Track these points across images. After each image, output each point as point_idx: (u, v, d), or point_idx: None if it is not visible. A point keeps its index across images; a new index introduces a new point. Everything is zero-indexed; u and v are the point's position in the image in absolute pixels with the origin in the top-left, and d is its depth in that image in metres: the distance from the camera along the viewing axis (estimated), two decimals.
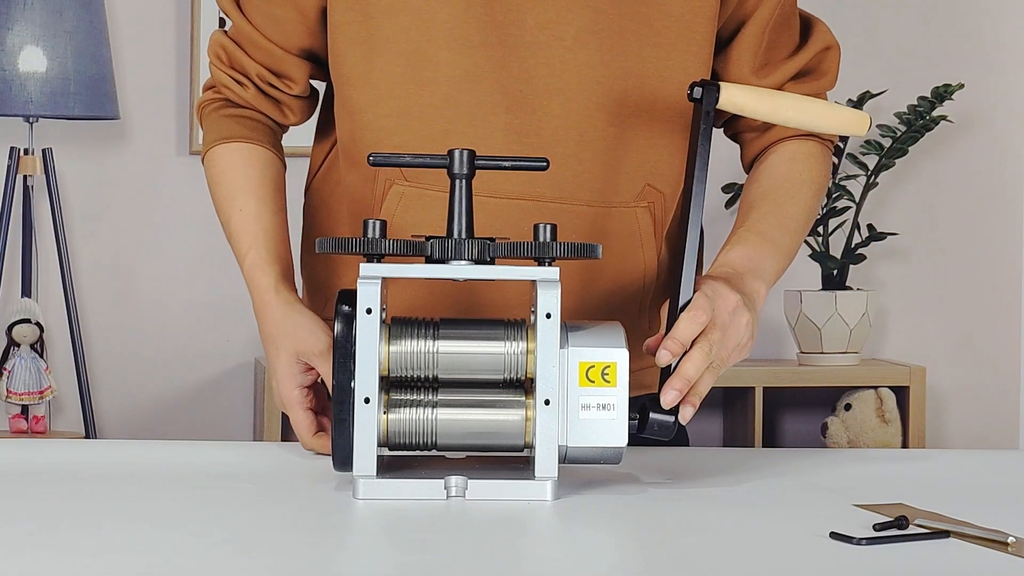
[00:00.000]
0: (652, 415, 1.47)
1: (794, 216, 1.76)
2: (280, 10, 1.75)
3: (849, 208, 4.01)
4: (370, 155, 1.49)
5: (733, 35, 1.78)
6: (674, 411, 1.48)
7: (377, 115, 1.71)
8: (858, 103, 3.95)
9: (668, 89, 1.71)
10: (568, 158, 1.70)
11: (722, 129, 1.86)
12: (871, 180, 4.02)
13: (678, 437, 1.59)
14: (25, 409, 3.85)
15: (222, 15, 4.03)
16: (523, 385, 1.46)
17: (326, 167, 1.84)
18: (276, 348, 1.67)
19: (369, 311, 1.40)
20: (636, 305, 1.77)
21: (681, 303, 1.52)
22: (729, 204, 4.04)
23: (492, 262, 1.44)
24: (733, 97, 1.58)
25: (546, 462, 1.41)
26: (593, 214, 1.72)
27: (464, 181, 1.46)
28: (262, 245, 1.73)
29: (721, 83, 1.57)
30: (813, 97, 1.65)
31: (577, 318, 1.68)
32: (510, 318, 1.47)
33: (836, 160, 4.00)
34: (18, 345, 3.81)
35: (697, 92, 1.56)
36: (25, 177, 3.88)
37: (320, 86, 1.85)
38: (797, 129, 1.76)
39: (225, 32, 1.82)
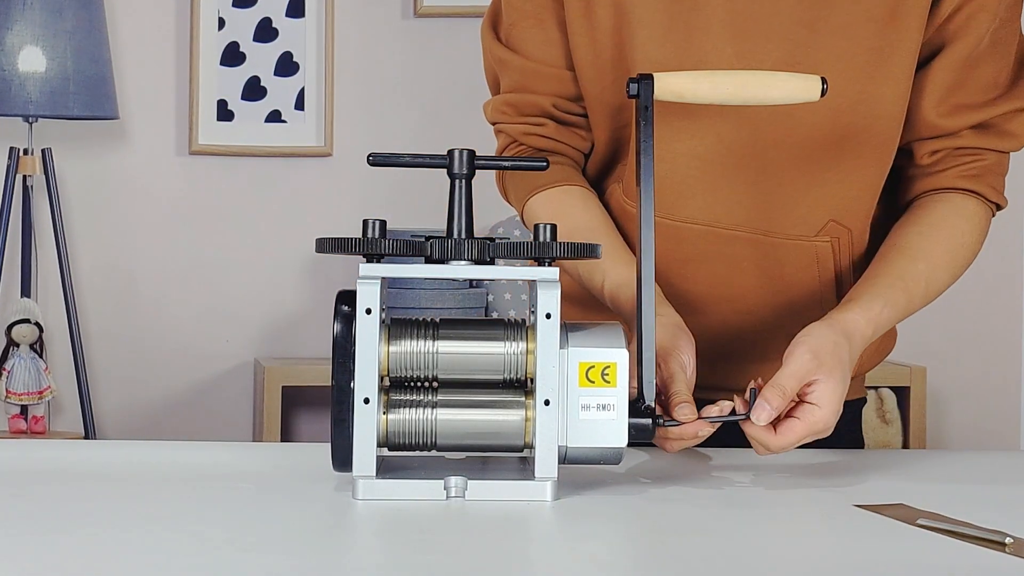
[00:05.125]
0: (629, 419, 1.44)
1: (942, 283, 1.71)
2: (552, 33, 1.76)
3: None
4: (369, 155, 1.49)
5: (926, 62, 1.70)
6: (651, 414, 1.47)
7: (587, 99, 1.75)
8: None
9: (859, 122, 1.68)
10: (754, 187, 1.71)
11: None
12: None
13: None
14: (24, 409, 3.85)
15: (222, 16, 4.03)
16: (523, 385, 1.45)
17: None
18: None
19: (368, 311, 1.40)
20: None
21: (645, 323, 1.48)
22: None
23: (492, 262, 1.43)
24: (669, 85, 1.54)
25: (546, 462, 1.41)
26: (769, 244, 1.73)
27: (464, 181, 1.45)
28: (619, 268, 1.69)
29: (655, 74, 1.54)
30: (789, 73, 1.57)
31: (751, 337, 1.72)
32: (510, 318, 1.47)
33: None
34: (17, 345, 3.81)
35: (633, 88, 1.53)
36: (24, 177, 3.88)
37: None
38: (966, 183, 1.72)
39: (496, 95, 1.81)
